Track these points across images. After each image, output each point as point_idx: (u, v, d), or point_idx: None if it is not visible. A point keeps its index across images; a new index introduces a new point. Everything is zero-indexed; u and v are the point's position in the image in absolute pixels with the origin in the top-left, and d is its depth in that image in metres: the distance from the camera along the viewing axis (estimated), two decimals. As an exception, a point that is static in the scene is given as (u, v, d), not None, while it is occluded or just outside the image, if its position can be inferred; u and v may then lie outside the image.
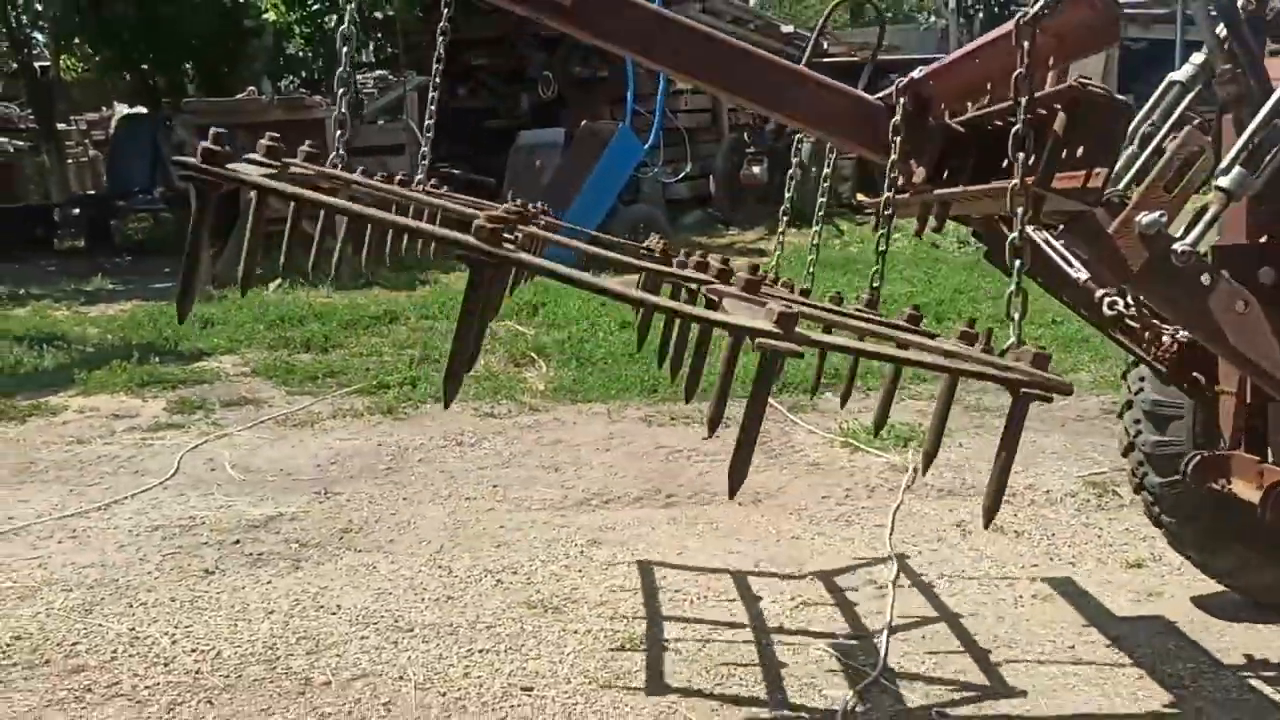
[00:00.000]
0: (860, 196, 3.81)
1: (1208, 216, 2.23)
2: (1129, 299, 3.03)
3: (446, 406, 2.11)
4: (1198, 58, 2.76)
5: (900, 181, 2.98)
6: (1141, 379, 3.46)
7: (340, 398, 6.73)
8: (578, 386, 6.91)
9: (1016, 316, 2.15)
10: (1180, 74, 2.81)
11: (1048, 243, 3.21)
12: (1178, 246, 2.17)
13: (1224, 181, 2.25)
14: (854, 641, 3.39)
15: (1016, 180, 2.12)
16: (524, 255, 2.06)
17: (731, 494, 2.06)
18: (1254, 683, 3.08)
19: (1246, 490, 2.85)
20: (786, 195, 3.76)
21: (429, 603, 3.74)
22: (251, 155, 2.37)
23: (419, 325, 8.91)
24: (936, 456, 2.57)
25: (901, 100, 2.48)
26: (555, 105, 14.66)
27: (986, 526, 2.20)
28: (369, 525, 4.56)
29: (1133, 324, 3.04)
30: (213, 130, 2.16)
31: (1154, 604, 3.62)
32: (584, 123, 13.12)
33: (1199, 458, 2.96)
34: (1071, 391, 1.99)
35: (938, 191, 2.54)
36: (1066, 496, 4.71)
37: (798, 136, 3.99)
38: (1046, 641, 3.37)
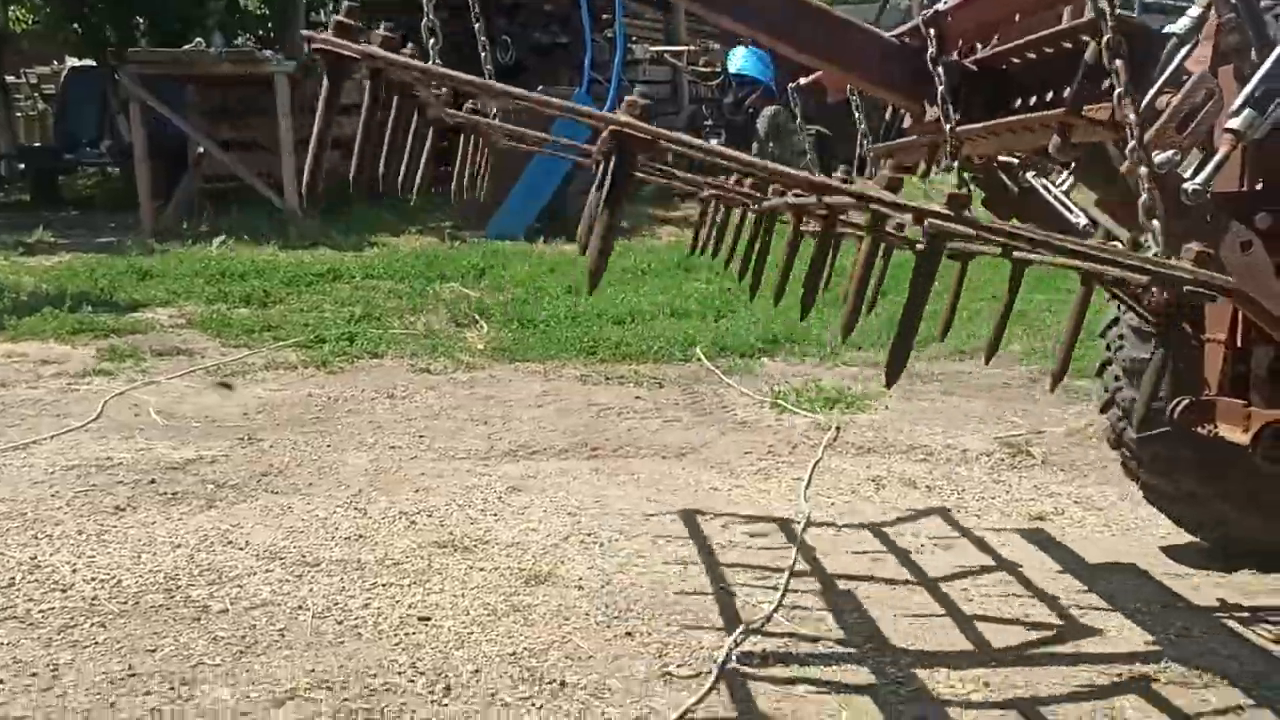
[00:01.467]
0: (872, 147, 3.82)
1: (1217, 157, 2.22)
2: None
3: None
4: (1194, 10, 2.78)
5: (908, 122, 3.00)
6: (1121, 336, 3.54)
7: (275, 351, 6.70)
8: (517, 347, 6.92)
9: (1156, 225, 2.09)
10: (1176, 26, 2.83)
11: (1045, 188, 3.24)
12: (1188, 186, 2.18)
13: (1234, 123, 2.26)
14: (754, 584, 3.43)
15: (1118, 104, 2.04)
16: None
17: (889, 384, 1.95)
18: (1133, 624, 3.16)
19: (1233, 433, 2.90)
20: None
21: (339, 541, 3.75)
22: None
23: (363, 284, 8.88)
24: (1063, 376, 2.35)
25: (932, 33, 2.46)
26: (514, 70, 14.58)
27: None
28: (289, 469, 4.56)
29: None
30: (346, 4, 1.99)
31: (1049, 554, 3.70)
32: (540, 89, 13.05)
33: (1186, 402, 2.98)
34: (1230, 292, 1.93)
35: (966, 127, 2.51)
36: (982, 455, 4.78)
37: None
38: (939, 587, 3.43)
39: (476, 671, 2.79)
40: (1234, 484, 3.38)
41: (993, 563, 3.63)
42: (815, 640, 3.02)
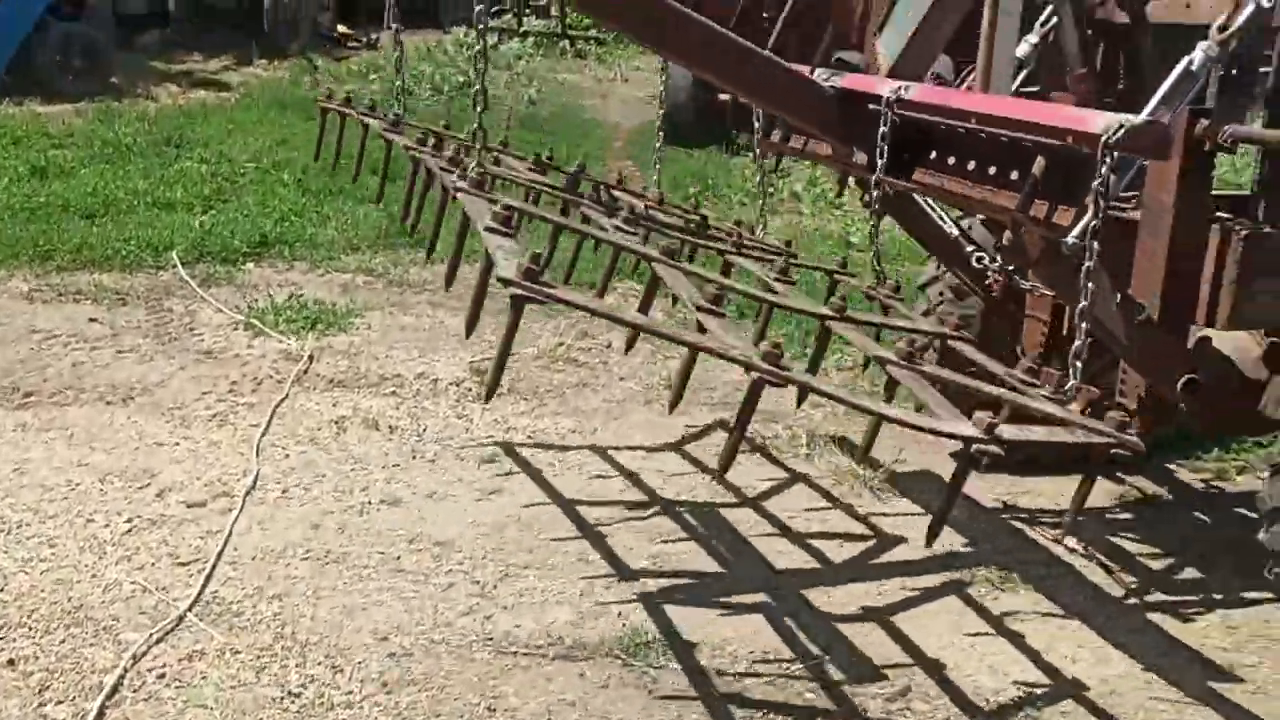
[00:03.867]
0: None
1: (1087, 217, 2.50)
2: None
3: None
4: (1032, 38, 3.49)
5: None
6: (941, 294, 4.06)
7: None
8: (-52, 250, 6.00)
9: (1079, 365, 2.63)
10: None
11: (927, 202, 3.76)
12: (1068, 239, 2.53)
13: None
14: (177, 573, 3.24)
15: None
16: None
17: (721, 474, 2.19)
18: (576, 566, 3.33)
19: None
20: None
21: None
22: None
23: None
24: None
25: (888, 113, 2.93)
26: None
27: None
28: None
29: (986, 270, 3.68)
30: None
31: (491, 503, 3.79)
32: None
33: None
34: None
35: (917, 179, 3.01)
36: (451, 385, 4.81)
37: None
38: (376, 553, 3.41)
39: None
40: None
41: (437, 522, 3.66)
42: (225, 648, 2.89)
